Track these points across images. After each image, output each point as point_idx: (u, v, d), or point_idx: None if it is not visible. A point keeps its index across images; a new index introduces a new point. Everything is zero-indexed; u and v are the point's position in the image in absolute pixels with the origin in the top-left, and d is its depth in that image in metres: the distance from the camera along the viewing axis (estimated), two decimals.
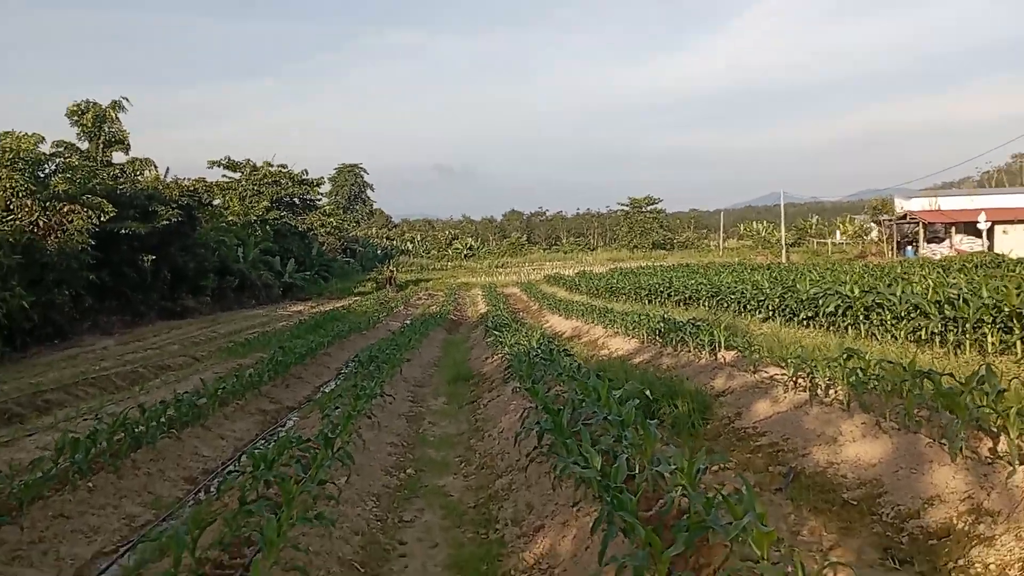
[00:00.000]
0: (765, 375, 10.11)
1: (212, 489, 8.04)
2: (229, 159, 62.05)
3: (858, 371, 7.87)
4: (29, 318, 21.75)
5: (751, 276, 25.58)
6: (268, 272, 48.56)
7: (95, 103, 37.12)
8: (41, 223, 25.74)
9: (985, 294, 11.09)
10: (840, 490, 6.19)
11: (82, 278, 26.22)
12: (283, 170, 62.98)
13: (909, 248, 52.56)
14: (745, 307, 19.61)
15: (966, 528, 4.93)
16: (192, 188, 37.61)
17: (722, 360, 11.69)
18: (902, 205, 57.59)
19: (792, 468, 6.92)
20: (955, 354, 11.03)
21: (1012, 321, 10.53)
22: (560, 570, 5.18)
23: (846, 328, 14.29)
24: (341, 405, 9.78)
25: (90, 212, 27.07)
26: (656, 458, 5.81)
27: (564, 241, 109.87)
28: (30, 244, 24.01)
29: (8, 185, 25.50)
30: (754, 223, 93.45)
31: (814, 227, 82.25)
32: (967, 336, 11.15)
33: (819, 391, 8.34)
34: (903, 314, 12.68)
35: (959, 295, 11.54)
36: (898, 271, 23.95)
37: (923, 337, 12.02)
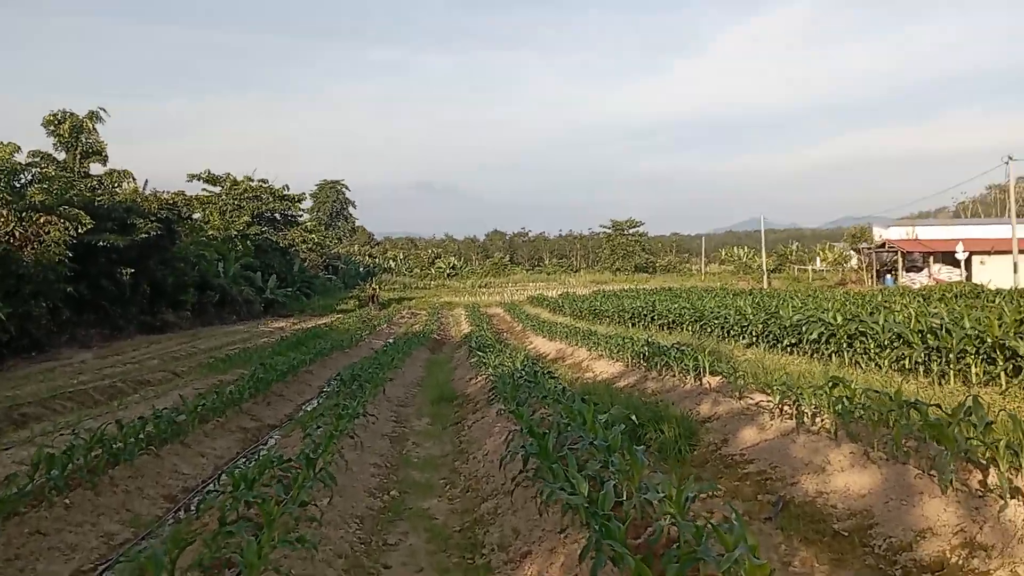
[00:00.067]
0: (751, 401, 10.09)
1: (192, 508, 7.88)
2: (209, 173, 61.79)
3: (844, 400, 7.87)
4: (5, 330, 21.44)
5: (734, 301, 25.69)
6: (249, 288, 48.21)
7: (72, 113, 36.89)
8: (17, 234, 25.42)
9: (968, 324, 11.18)
10: (830, 520, 6.15)
11: (59, 290, 25.88)
12: (264, 185, 62.77)
13: (888, 276, 53.13)
14: (728, 332, 19.66)
15: (960, 562, 4.90)
16: (171, 201, 37.35)
17: (707, 385, 11.67)
18: (880, 233, 58.32)
19: (781, 497, 6.88)
20: (939, 384, 11.09)
21: (995, 352, 10.60)
22: None
23: (830, 355, 14.35)
24: (323, 425, 9.64)
25: (67, 223, 26.77)
26: (644, 485, 5.76)
27: (547, 262, 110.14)
28: (6, 255, 23.67)
29: None
30: (735, 248, 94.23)
31: (794, 253, 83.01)
32: (951, 366, 11.22)
33: (806, 419, 8.33)
34: (886, 343, 12.75)
35: (942, 325, 11.62)
36: (879, 299, 24.12)
37: (907, 366, 12.09)
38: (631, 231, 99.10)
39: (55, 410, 13.64)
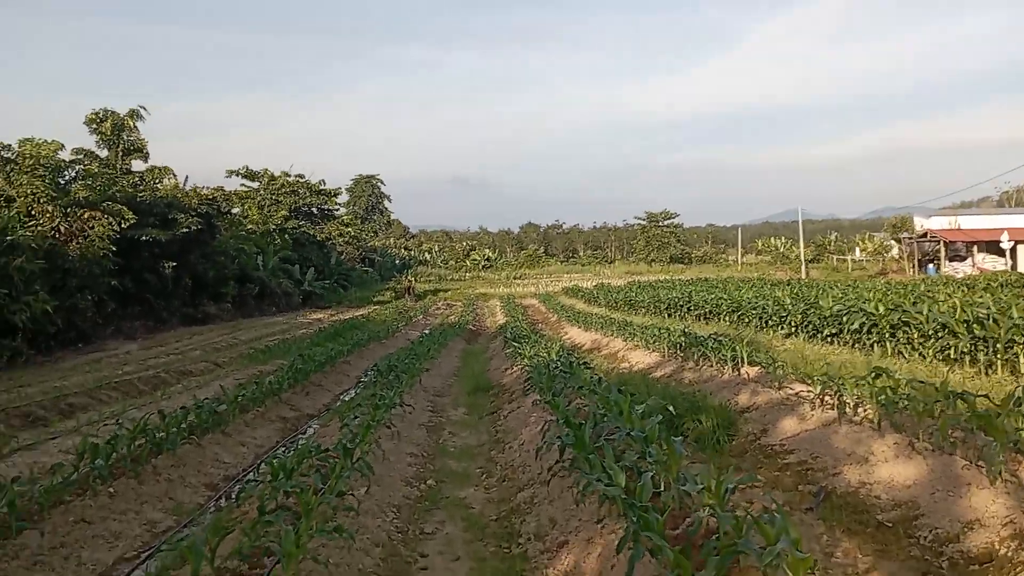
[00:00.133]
0: (790, 392, 9.94)
1: (232, 496, 7.99)
2: (247, 168, 62.45)
3: (888, 390, 7.71)
4: (53, 322, 21.92)
5: (772, 292, 25.35)
6: (288, 280, 48.74)
7: (113, 112, 37.53)
8: (63, 229, 25.97)
9: (1016, 314, 10.89)
10: (874, 511, 6.02)
11: (104, 284, 26.42)
12: (300, 180, 63.29)
13: (930, 266, 52.02)
14: (766, 323, 19.40)
15: (1009, 554, 4.76)
16: (211, 197, 37.85)
17: (745, 376, 11.52)
18: (922, 223, 57.11)
19: (823, 487, 6.76)
20: (986, 374, 10.82)
21: None
22: None
23: (871, 346, 14.08)
24: (360, 414, 9.71)
25: (111, 219, 27.28)
26: (682, 476, 5.69)
27: (581, 254, 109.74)
28: (52, 249, 24.20)
29: (29, 191, 25.76)
30: (772, 239, 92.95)
31: (833, 244, 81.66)
32: (998, 356, 10.94)
33: (848, 409, 8.17)
34: (930, 333, 12.47)
35: (989, 314, 11.33)
36: (921, 289, 23.63)
37: (952, 356, 11.81)
38: (666, 222, 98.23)
39: (101, 400, 13.93)
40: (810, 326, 16.89)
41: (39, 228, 25.06)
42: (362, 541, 5.93)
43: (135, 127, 38.25)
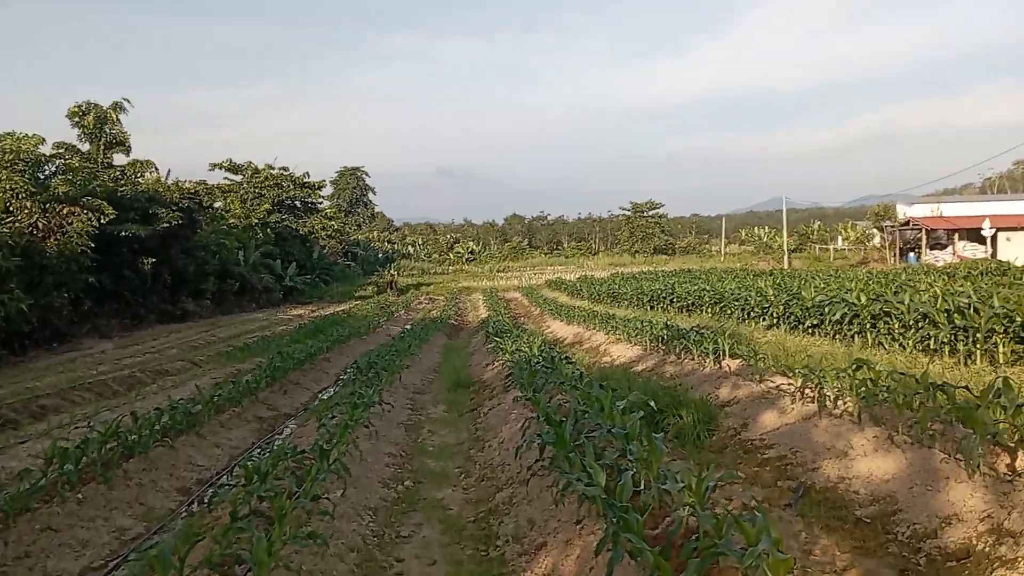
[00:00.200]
0: (771, 385, 9.90)
1: (205, 501, 7.85)
2: (231, 161, 61.88)
3: (868, 382, 7.67)
4: (28, 321, 21.57)
5: (754, 282, 25.38)
6: (269, 275, 48.36)
7: (96, 104, 37.00)
8: (41, 225, 25.58)
9: (996, 303, 10.89)
10: (853, 507, 5.97)
11: (81, 281, 26.06)
12: (284, 173, 62.81)
13: (912, 255, 52.36)
14: (749, 314, 19.40)
15: (987, 549, 4.72)
16: (193, 190, 37.44)
17: (727, 369, 11.48)
18: (904, 211, 57.45)
19: (802, 483, 6.71)
20: (966, 364, 10.82)
21: None
22: None
23: (852, 336, 14.09)
24: (338, 414, 9.59)
25: (90, 214, 26.88)
26: (662, 474, 5.62)
27: (565, 245, 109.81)
28: (29, 246, 23.83)
29: (8, 187, 25.34)
30: (756, 228, 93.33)
31: (816, 233, 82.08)
32: (978, 346, 10.95)
33: (828, 402, 8.13)
34: (911, 323, 12.48)
35: (969, 304, 11.34)
36: (903, 278, 23.73)
37: (932, 346, 11.82)
38: (650, 213, 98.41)
39: (73, 401, 13.70)
40: (792, 317, 16.90)
41: (16, 225, 24.66)
42: (337, 546, 5.81)
43: (118, 120, 37.73)
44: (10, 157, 26.61)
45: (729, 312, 20.64)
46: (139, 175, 36.98)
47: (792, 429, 8.08)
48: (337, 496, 6.85)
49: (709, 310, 22.24)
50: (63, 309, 24.68)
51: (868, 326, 13.73)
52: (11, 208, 25.26)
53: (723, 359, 11.91)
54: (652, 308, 26.98)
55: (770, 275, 33.76)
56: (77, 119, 36.64)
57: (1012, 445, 5.75)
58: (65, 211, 26.34)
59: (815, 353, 12.37)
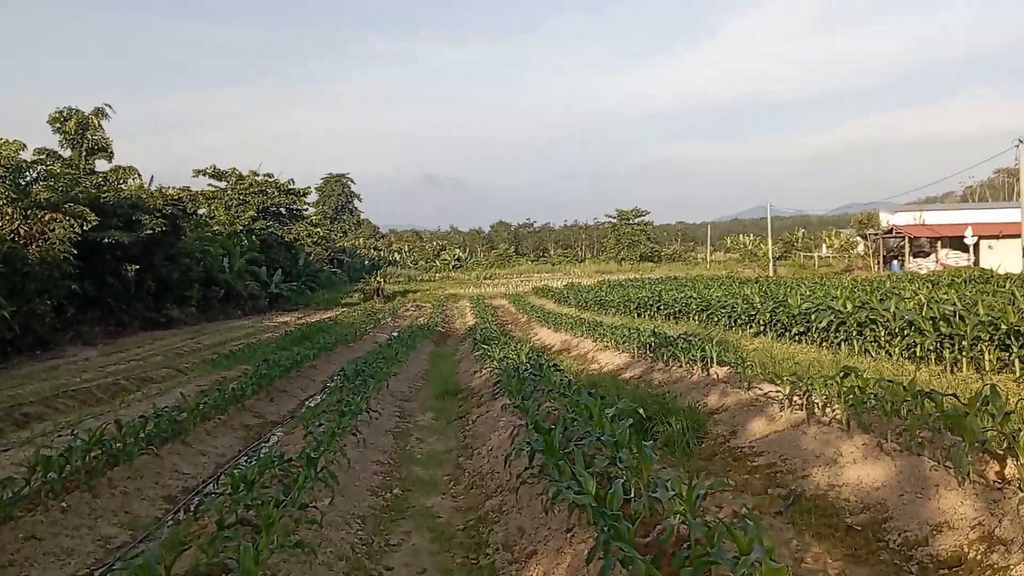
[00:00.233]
0: (759, 392, 9.92)
1: (191, 509, 7.75)
2: (215, 168, 61.59)
3: (856, 390, 7.70)
4: (10, 328, 21.38)
5: (741, 290, 25.47)
6: (254, 282, 48.11)
7: (78, 110, 36.78)
8: (22, 231, 25.37)
9: (982, 311, 10.97)
10: (843, 514, 5.98)
11: (64, 287, 25.83)
12: (269, 179, 62.60)
13: (895, 262, 52.78)
14: (736, 321, 19.47)
15: (979, 557, 4.73)
16: (177, 197, 37.25)
17: (715, 376, 11.49)
18: (887, 219, 57.93)
19: (792, 491, 6.71)
20: (952, 371, 10.89)
21: (1010, 338, 10.39)
22: None
23: (839, 344, 14.16)
24: (325, 422, 9.52)
25: (72, 221, 26.68)
26: (653, 482, 5.60)
27: (552, 253, 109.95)
28: (11, 253, 23.62)
29: None
30: (741, 236, 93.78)
31: (800, 240, 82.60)
32: (964, 353, 11.02)
33: (816, 410, 8.15)
34: (897, 330, 12.55)
35: (955, 311, 11.41)
36: (888, 286, 23.87)
37: (918, 354, 11.89)
38: (636, 220, 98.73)
39: (57, 409, 13.54)
40: (778, 325, 16.97)
41: None
42: (325, 555, 5.75)
43: (100, 126, 37.51)
44: None
45: (716, 319, 20.71)
46: (122, 181, 36.79)
47: (781, 436, 8.08)
48: (325, 504, 6.79)
49: (696, 317, 22.30)
50: (46, 316, 24.46)
51: (854, 333, 13.80)
52: None
53: (711, 366, 11.93)
54: (639, 315, 27.03)
55: (756, 282, 33.91)
56: (58, 125, 36.41)
57: (1001, 453, 5.77)
58: (47, 217, 26.13)
59: (802, 360, 12.43)
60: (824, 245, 74.02)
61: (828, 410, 8.08)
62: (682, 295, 25.91)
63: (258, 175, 62.21)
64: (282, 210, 64.32)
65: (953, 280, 27.39)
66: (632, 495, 5.50)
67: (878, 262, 55.13)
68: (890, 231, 55.30)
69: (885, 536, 5.46)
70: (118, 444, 8.44)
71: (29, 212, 25.99)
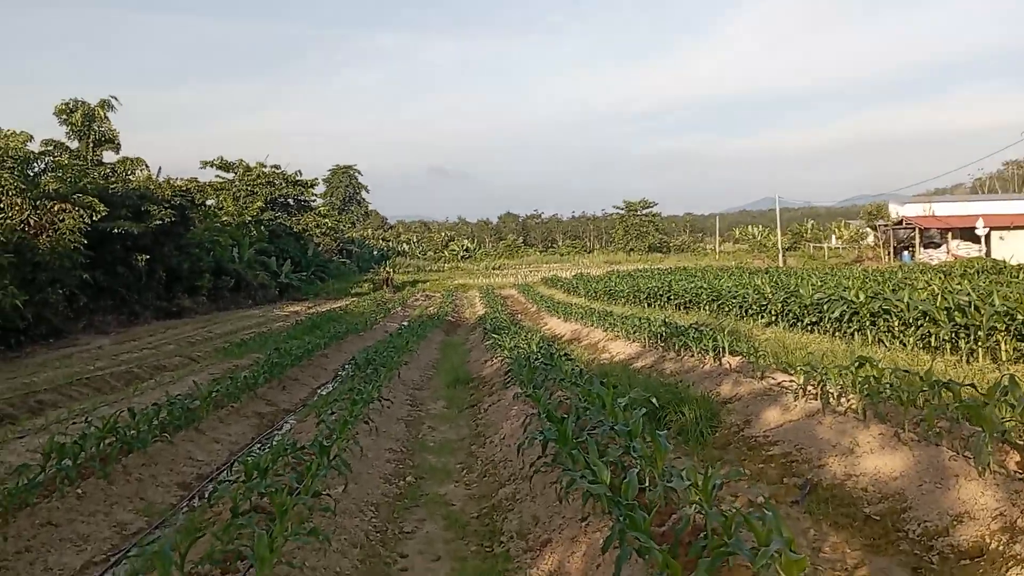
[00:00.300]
0: (773, 382, 9.87)
1: (206, 496, 7.77)
2: (222, 159, 61.64)
3: (871, 380, 7.64)
4: (23, 317, 21.45)
5: (751, 280, 25.36)
6: (264, 272, 48.20)
7: (84, 102, 36.77)
8: (32, 222, 25.43)
9: (997, 301, 10.87)
10: (861, 504, 5.93)
11: (75, 277, 25.92)
12: (277, 171, 62.61)
13: (905, 253, 52.44)
14: (747, 312, 19.38)
15: (1001, 548, 4.68)
16: (185, 188, 37.26)
17: (727, 366, 11.44)
18: (897, 210, 57.52)
19: (808, 480, 6.67)
20: (968, 362, 10.80)
21: None
22: None
23: (852, 334, 14.06)
24: (337, 410, 9.52)
25: (82, 211, 26.73)
26: (667, 471, 5.57)
27: (560, 243, 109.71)
28: (21, 243, 23.69)
29: None
30: (749, 227, 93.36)
31: (809, 231, 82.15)
32: (980, 344, 10.92)
33: (831, 400, 8.09)
34: (911, 321, 12.45)
35: (970, 302, 11.31)
36: (899, 276, 23.74)
37: (933, 344, 11.80)
38: (644, 211, 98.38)
39: (71, 396, 13.61)
40: (790, 315, 16.87)
41: (8, 221, 24.52)
42: (339, 542, 5.75)
43: (106, 117, 37.51)
44: None
45: (727, 309, 20.62)
46: (129, 172, 36.80)
47: (796, 426, 8.03)
48: (338, 492, 6.79)
49: (706, 307, 22.21)
50: (58, 305, 24.56)
51: (867, 324, 13.70)
52: (1, 205, 25.11)
53: (723, 356, 11.87)
54: (649, 305, 26.95)
55: (766, 273, 33.77)
56: (64, 116, 36.42)
57: (1021, 443, 5.72)
58: (56, 208, 26.19)
59: (815, 350, 12.35)
60: (833, 236, 73.58)
61: (843, 400, 8.01)
62: (692, 285, 25.81)
63: (265, 166, 62.25)
64: (290, 201, 64.35)
65: (965, 271, 27.21)
66: (647, 484, 5.47)
67: (888, 253, 54.77)
68: (900, 222, 54.92)
69: (904, 526, 5.41)
70: (132, 431, 8.47)
71: (38, 203, 26.05)
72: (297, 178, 64.18)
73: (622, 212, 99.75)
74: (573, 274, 56.18)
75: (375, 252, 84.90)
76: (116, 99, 37.96)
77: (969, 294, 11.88)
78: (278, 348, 17.28)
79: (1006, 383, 6.24)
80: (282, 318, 33.20)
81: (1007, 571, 4.43)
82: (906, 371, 7.75)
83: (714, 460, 7.67)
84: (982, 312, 10.89)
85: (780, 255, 64.89)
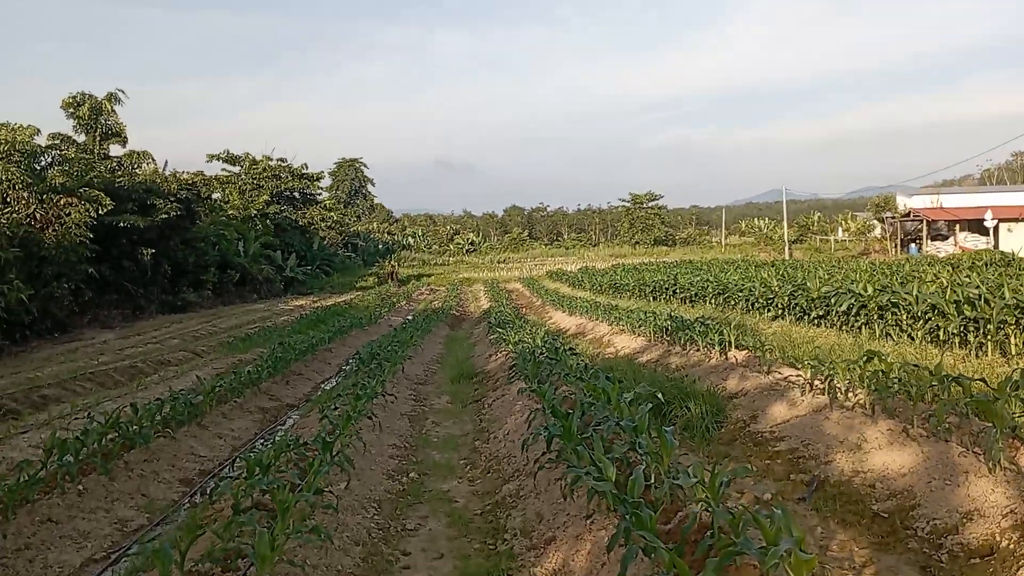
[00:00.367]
0: (780, 376, 9.77)
1: (207, 492, 7.73)
2: (228, 153, 61.66)
3: (880, 374, 7.54)
4: (28, 311, 21.48)
5: (758, 273, 25.23)
6: (269, 266, 48.24)
7: (91, 95, 36.77)
8: (38, 216, 25.46)
9: (1008, 294, 10.74)
10: (869, 501, 5.85)
11: (81, 271, 25.95)
12: (282, 164, 62.60)
13: (913, 245, 52.16)
14: (753, 305, 19.26)
15: (1011, 546, 4.59)
16: (191, 182, 37.31)
17: (733, 360, 11.35)
18: (904, 202, 57.18)
19: (816, 477, 6.59)
20: (977, 356, 10.68)
21: None
22: None
23: (859, 328, 13.94)
24: (341, 405, 9.47)
25: (88, 205, 26.76)
26: (674, 468, 5.50)
27: (565, 237, 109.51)
28: (28, 237, 23.72)
29: (4, 177, 25.19)
30: (756, 220, 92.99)
31: (816, 224, 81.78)
32: (989, 338, 10.80)
33: (839, 394, 7.99)
34: (920, 314, 12.33)
35: (980, 295, 11.19)
36: (907, 269, 23.58)
37: (941, 338, 11.68)
38: (650, 204, 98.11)
39: (75, 391, 13.60)
40: (797, 308, 16.76)
41: (14, 215, 24.56)
42: (341, 540, 5.69)
43: (113, 111, 37.52)
44: (5, 148, 26.47)
45: (733, 303, 20.50)
46: (136, 166, 36.83)
47: (803, 421, 7.95)
48: (341, 488, 6.74)
49: (712, 301, 22.09)
50: (64, 299, 24.60)
51: (875, 317, 13.59)
52: (8, 199, 25.15)
53: (729, 350, 11.78)
54: (654, 299, 26.85)
55: (772, 266, 33.62)
56: (72, 110, 36.42)
57: None
58: (62, 202, 26.21)
59: (822, 344, 12.26)
60: (840, 228, 73.27)
61: (851, 395, 7.92)
62: (698, 278, 25.68)
63: (271, 160, 62.25)
64: (296, 194, 64.37)
65: (974, 263, 27.01)
66: (652, 481, 5.40)
67: (895, 245, 54.49)
68: (907, 214, 54.61)
69: (913, 524, 5.33)
70: (134, 427, 8.43)
71: (44, 196, 26.09)
72: (303, 171, 64.18)
73: (628, 205, 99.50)
74: (578, 267, 56.07)
75: (380, 246, 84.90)
76: (123, 92, 37.98)
77: (978, 287, 11.77)
78: (282, 342, 17.25)
79: (1017, 378, 6.16)
80: (287, 312, 33.22)
81: (1018, 570, 4.34)
82: (915, 365, 7.67)
83: (720, 456, 7.61)
84: (992, 305, 10.77)
85: (786, 248, 64.66)
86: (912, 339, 12.30)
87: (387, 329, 24.82)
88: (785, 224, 69.28)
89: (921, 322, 12.29)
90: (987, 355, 10.64)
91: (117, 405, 9.99)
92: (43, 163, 30.61)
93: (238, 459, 8.91)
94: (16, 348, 20.69)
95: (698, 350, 12.68)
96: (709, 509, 4.55)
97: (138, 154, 37.43)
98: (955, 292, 11.87)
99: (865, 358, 7.99)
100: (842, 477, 6.44)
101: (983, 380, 6.56)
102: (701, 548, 4.22)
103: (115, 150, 38.16)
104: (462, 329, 26.52)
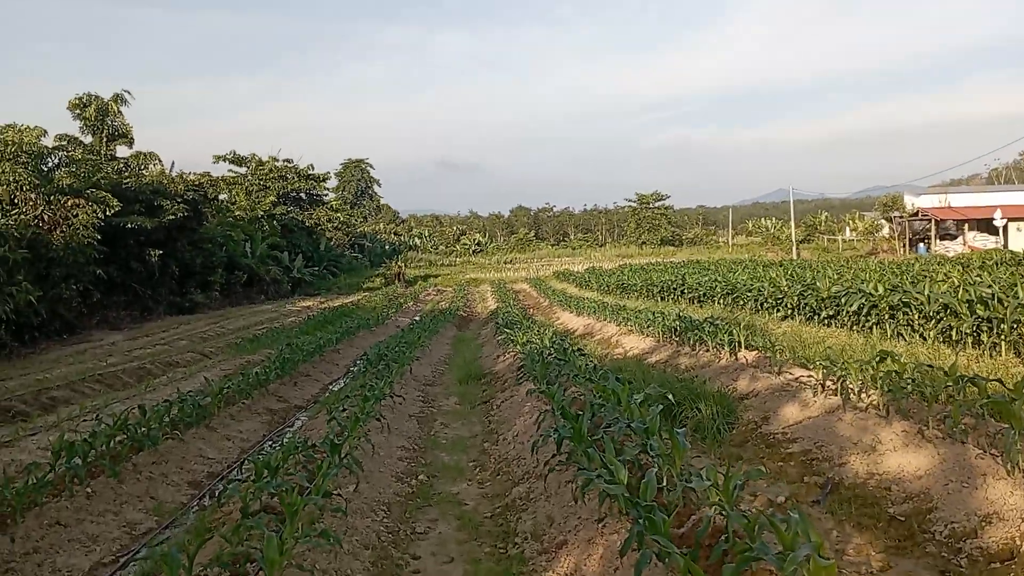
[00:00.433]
0: (791, 377, 9.68)
1: (216, 495, 7.69)
2: (234, 154, 61.69)
3: (893, 375, 7.45)
4: (37, 313, 21.51)
5: (766, 273, 25.10)
6: (276, 267, 48.25)
7: (97, 96, 36.88)
8: (46, 217, 25.50)
9: (1021, 294, 10.63)
10: (885, 504, 5.77)
11: (89, 272, 25.99)
12: (289, 165, 62.62)
13: (921, 245, 51.92)
14: (762, 305, 19.15)
15: None
16: (198, 183, 37.33)
17: (743, 361, 11.26)
18: (912, 202, 56.92)
19: (830, 479, 6.51)
20: (991, 356, 10.57)
21: None
22: None
23: (870, 328, 13.83)
24: (349, 407, 9.42)
25: (95, 206, 26.80)
26: (686, 470, 5.44)
27: (572, 237, 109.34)
28: (35, 238, 23.76)
29: (11, 179, 25.25)
30: (763, 219, 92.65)
31: (823, 224, 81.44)
32: (1003, 337, 10.69)
33: (852, 395, 7.91)
34: (932, 314, 12.22)
35: (993, 294, 11.08)
36: (917, 268, 23.42)
37: (954, 338, 11.57)
38: (656, 204, 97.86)
39: (83, 393, 13.59)
40: (807, 308, 16.64)
41: (22, 217, 24.62)
42: (350, 544, 5.64)
43: (119, 112, 37.64)
44: (12, 149, 26.54)
45: (742, 303, 20.39)
46: (143, 167, 36.91)
47: (815, 423, 7.87)
48: (350, 491, 6.69)
49: (721, 301, 21.98)
50: (72, 301, 24.64)
51: (886, 317, 13.47)
52: (16, 200, 25.20)
53: (739, 350, 11.70)
54: (662, 299, 26.74)
55: (780, 265, 33.48)
56: (78, 111, 36.54)
57: None
58: (70, 203, 26.26)
59: (833, 344, 12.16)
60: (848, 228, 72.93)
61: (864, 395, 7.83)
62: (706, 279, 25.56)
63: (278, 160, 62.28)
64: (302, 195, 64.38)
65: (984, 263, 26.80)
66: (665, 484, 5.33)
67: (904, 245, 54.26)
68: (915, 214, 54.36)
69: (931, 527, 5.25)
70: (143, 429, 8.41)
71: (52, 198, 26.14)
72: (309, 172, 64.19)
73: (634, 205, 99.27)
74: (585, 268, 55.98)
75: (387, 246, 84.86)
76: (129, 93, 38.11)
77: (991, 286, 11.65)
78: (290, 344, 17.23)
79: None
80: (294, 313, 33.22)
81: None
82: (929, 366, 7.58)
83: (732, 458, 7.52)
84: (1005, 305, 10.65)
85: (794, 247, 64.42)
86: (924, 339, 12.19)
87: (394, 330, 24.78)
88: (792, 224, 69.02)
89: (933, 322, 12.17)
90: (1001, 355, 10.52)
91: (125, 407, 9.96)
92: (50, 164, 30.71)
93: (246, 461, 8.87)
94: (25, 350, 20.72)
95: (707, 351, 12.60)
96: (723, 513, 4.48)
97: (145, 155, 37.51)
98: (967, 291, 11.75)
99: (878, 358, 7.91)
100: (857, 479, 6.36)
101: (999, 380, 6.46)
102: (716, 553, 4.16)
103: (122, 151, 38.32)
104: (469, 330, 26.47)
